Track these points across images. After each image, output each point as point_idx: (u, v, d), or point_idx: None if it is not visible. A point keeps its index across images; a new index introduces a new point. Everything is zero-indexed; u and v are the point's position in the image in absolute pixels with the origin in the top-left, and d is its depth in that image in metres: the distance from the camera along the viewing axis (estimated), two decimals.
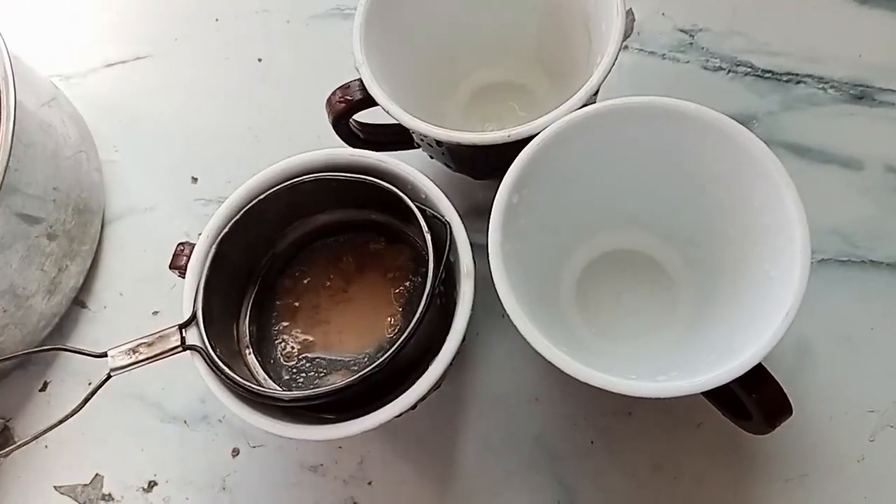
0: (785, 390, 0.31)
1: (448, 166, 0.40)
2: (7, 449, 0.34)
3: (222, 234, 0.34)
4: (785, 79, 0.43)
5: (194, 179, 0.45)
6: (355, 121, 0.38)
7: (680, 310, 0.38)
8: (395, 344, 0.31)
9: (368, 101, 0.36)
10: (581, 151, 0.35)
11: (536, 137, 0.33)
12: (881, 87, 0.43)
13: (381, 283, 0.37)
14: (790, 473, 0.36)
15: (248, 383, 0.31)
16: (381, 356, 0.30)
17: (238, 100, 0.47)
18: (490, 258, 0.31)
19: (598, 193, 0.38)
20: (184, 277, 0.34)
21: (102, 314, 0.44)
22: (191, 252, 0.34)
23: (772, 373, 0.30)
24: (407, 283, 0.37)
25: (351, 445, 0.39)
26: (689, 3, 0.46)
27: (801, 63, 0.43)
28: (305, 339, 0.36)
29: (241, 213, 0.34)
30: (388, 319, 0.36)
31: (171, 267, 0.35)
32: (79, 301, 0.44)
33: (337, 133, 0.38)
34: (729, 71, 0.44)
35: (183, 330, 0.33)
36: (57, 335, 0.43)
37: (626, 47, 0.45)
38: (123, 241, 0.45)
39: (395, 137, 0.39)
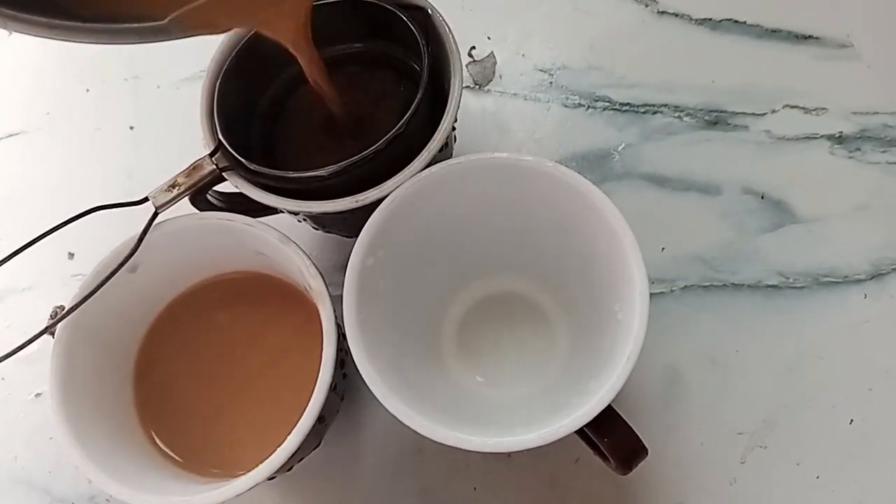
0: (646, 423, 0.32)
1: (315, 228, 0.40)
2: None
3: (224, 69, 0.37)
4: (642, 110, 0.44)
5: (71, 255, 0.45)
6: (215, 191, 0.38)
7: (557, 351, 0.39)
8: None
9: (220, 177, 0.36)
10: (435, 208, 0.35)
11: (384, 202, 0.34)
12: (734, 111, 0.44)
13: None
14: (668, 501, 0.37)
15: (293, 172, 0.34)
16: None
17: (112, 170, 0.47)
18: (345, 325, 0.32)
19: (463, 244, 0.38)
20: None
21: None
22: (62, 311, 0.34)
23: (622, 415, 0.31)
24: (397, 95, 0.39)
25: None
26: (548, 42, 0.47)
27: (657, 93, 0.45)
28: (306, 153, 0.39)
29: (240, 46, 0.37)
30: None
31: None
32: None
33: (196, 208, 0.38)
34: (588, 107, 0.45)
35: (212, 158, 0.35)
36: None
37: (488, 91, 0.46)
38: (3, 324, 0.45)
39: (258, 205, 0.39)
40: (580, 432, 0.31)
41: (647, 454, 0.32)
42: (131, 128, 0.48)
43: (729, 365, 0.39)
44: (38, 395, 0.43)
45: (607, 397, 0.30)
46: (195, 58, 0.49)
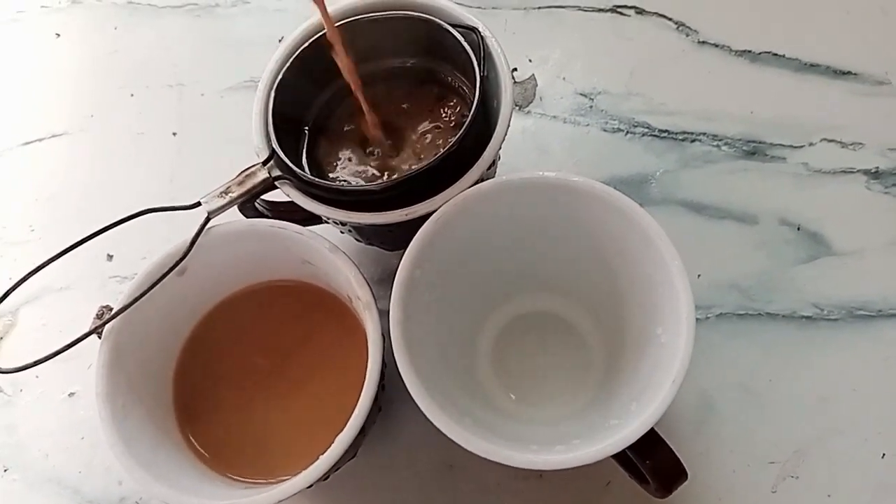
0: (678, 448, 0.32)
1: (358, 240, 0.41)
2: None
3: (279, 79, 0.37)
4: (681, 137, 0.45)
5: (109, 257, 0.46)
6: (262, 200, 0.39)
7: (592, 372, 0.39)
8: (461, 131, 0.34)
9: (271, 186, 0.36)
10: (481, 224, 0.36)
11: (433, 215, 0.34)
12: (772, 143, 0.45)
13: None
14: None
15: (344, 184, 0.35)
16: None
17: (153, 174, 0.48)
18: (391, 336, 0.32)
19: (505, 261, 0.39)
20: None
21: (19, 397, 0.43)
22: (109, 311, 0.35)
23: (664, 439, 0.31)
24: (444, 111, 0.39)
25: None
26: (589, 67, 0.47)
27: (696, 122, 0.45)
28: (352, 165, 0.39)
29: (293, 57, 0.38)
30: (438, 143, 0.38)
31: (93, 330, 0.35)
32: None
33: (244, 214, 0.38)
34: (627, 132, 0.45)
35: (265, 167, 0.36)
36: None
37: (528, 112, 0.46)
38: (39, 322, 0.45)
39: (303, 214, 0.39)
40: (619, 454, 0.31)
41: (687, 478, 0.32)
42: (174, 134, 0.49)
43: (762, 394, 0.39)
44: (71, 394, 0.43)
45: (651, 420, 0.30)
46: (239, 67, 0.50)
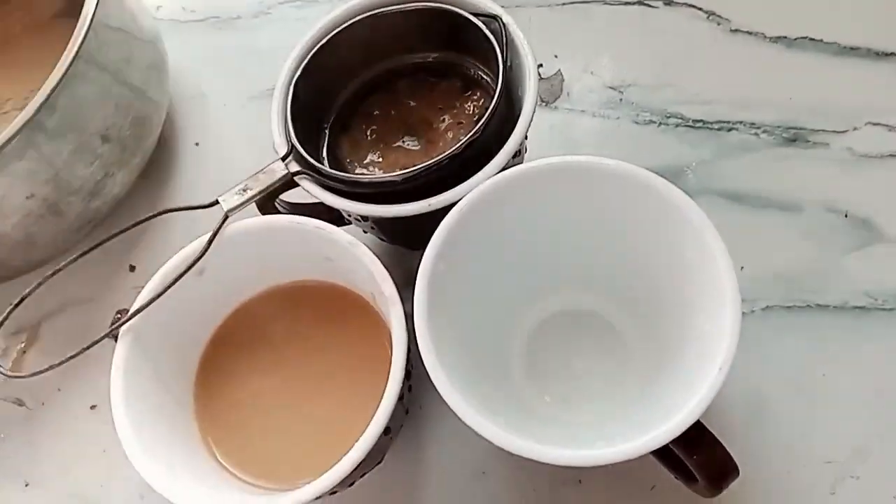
0: (729, 450, 0.29)
1: (382, 239, 0.39)
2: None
3: (298, 72, 0.37)
4: (717, 127, 0.43)
5: (132, 268, 0.45)
6: (282, 201, 0.38)
7: (631, 369, 0.37)
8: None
9: (291, 182, 0.35)
10: (508, 214, 0.34)
11: (457, 205, 0.33)
12: (813, 129, 0.42)
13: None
14: None
15: (367, 175, 0.35)
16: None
17: (175, 185, 0.47)
18: (416, 332, 0.31)
19: (534, 254, 0.37)
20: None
21: (40, 411, 0.42)
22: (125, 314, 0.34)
23: (712, 431, 0.29)
24: (467, 106, 0.39)
25: None
26: (617, 60, 0.46)
27: (732, 110, 0.43)
28: (375, 163, 0.38)
29: (314, 50, 0.37)
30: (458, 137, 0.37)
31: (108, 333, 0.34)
32: (16, 399, 0.42)
33: (263, 215, 0.37)
34: (660, 124, 0.44)
35: (284, 162, 0.35)
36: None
37: (556, 108, 0.45)
38: (62, 335, 0.44)
39: (326, 216, 0.38)
40: (663, 450, 0.29)
41: (738, 474, 0.29)
42: (196, 144, 0.48)
43: (814, 389, 0.37)
44: (93, 406, 0.42)
45: (697, 410, 0.28)
46: (262, 77, 0.49)
